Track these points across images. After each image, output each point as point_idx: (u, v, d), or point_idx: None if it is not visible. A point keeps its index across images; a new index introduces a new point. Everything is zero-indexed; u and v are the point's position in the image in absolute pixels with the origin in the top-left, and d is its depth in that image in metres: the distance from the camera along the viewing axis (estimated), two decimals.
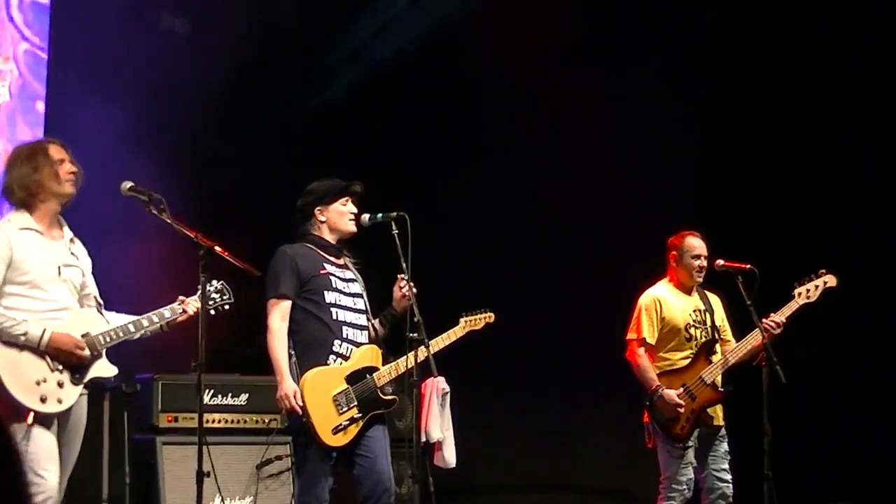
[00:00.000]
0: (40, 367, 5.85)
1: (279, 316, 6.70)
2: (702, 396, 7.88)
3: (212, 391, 8.59)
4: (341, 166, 7.27)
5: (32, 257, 5.93)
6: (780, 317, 7.81)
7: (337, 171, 7.11)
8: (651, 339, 7.99)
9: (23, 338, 5.80)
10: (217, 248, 6.19)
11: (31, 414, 5.76)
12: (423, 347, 6.56)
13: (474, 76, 11.19)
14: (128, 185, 6.23)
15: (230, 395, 8.70)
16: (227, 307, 6.57)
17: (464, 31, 11.11)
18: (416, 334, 6.55)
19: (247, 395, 8.67)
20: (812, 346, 9.57)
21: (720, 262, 7.98)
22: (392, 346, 7.01)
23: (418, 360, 6.59)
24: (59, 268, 6.02)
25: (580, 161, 10.95)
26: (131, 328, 6.19)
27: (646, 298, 8.11)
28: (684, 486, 7.86)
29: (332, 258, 6.95)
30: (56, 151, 6.09)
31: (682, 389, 7.86)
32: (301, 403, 6.58)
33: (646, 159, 10.99)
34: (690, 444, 7.89)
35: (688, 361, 7.97)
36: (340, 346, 6.75)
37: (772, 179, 10.98)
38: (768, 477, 7.42)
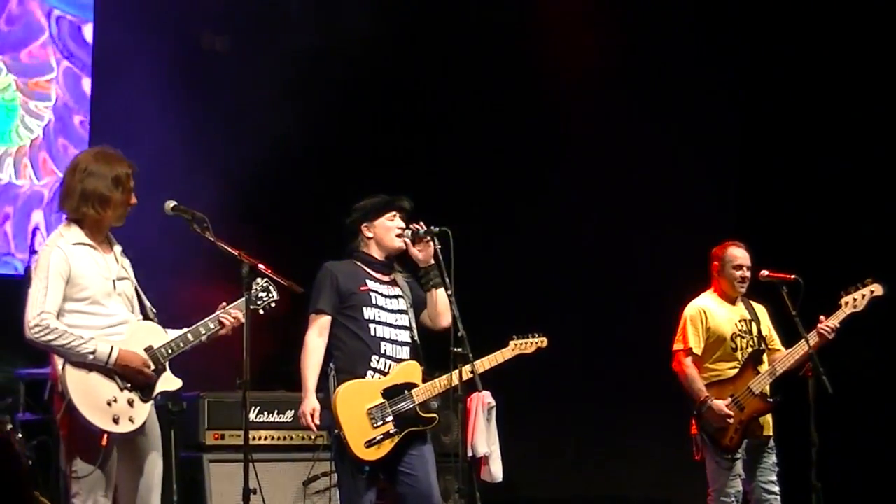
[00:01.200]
0: (110, 386, 5.76)
1: (316, 332, 6.70)
2: (750, 407, 7.83)
3: (257, 408, 8.61)
4: (391, 182, 7.27)
5: (88, 272, 5.83)
6: (834, 321, 7.76)
7: (387, 187, 7.12)
8: (697, 350, 7.94)
9: (91, 356, 5.70)
10: (261, 266, 6.20)
11: (105, 436, 5.70)
12: (467, 363, 6.54)
13: (526, 99, 11.24)
14: (171, 203, 6.22)
15: (276, 411, 8.72)
16: (273, 305, 6.42)
17: (512, 54, 11.14)
18: (460, 349, 6.52)
19: (292, 411, 8.66)
20: (858, 356, 9.50)
21: (765, 272, 7.95)
22: (437, 359, 7.00)
23: (462, 377, 6.56)
24: (113, 282, 5.93)
25: (624, 175, 10.96)
26: (190, 337, 6.10)
27: (691, 309, 8.07)
28: (732, 499, 7.80)
29: (377, 274, 6.93)
30: (129, 180, 5.98)
31: (730, 400, 7.82)
32: (318, 423, 6.60)
33: (687, 172, 10.99)
34: (739, 455, 7.83)
35: (735, 372, 7.92)
36: (378, 361, 6.73)
37: (814, 188, 10.92)
38: (817, 487, 7.38)
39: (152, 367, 5.92)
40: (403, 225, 6.93)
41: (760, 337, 8.03)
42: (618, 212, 11.06)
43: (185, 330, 6.14)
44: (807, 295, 7.57)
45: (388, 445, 6.62)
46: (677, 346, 8.02)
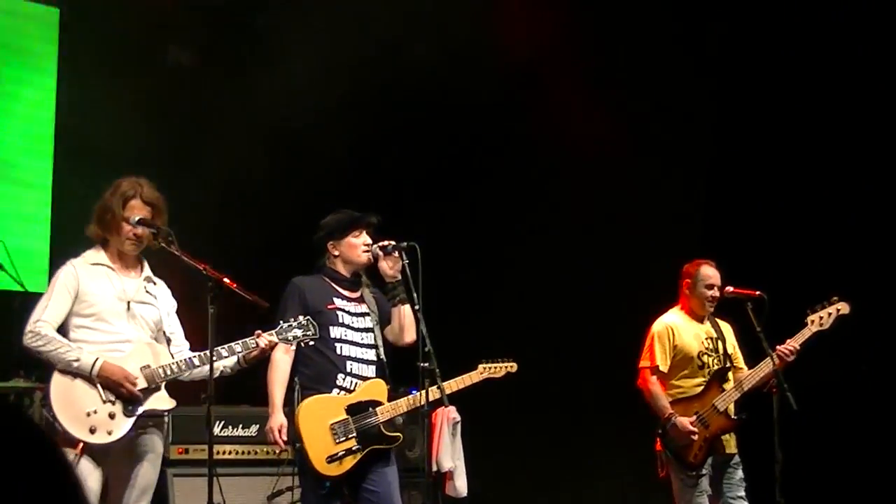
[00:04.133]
0: (92, 396, 5.93)
1: (282, 348, 6.69)
2: (715, 424, 7.85)
3: (222, 423, 8.59)
4: (360, 198, 7.27)
5: (99, 290, 6.09)
6: (794, 343, 7.77)
7: (357, 203, 7.13)
8: (664, 367, 7.96)
9: (75, 364, 5.91)
10: (226, 280, 6.19)
11: (80, 445, 5.84)
12: (434, 378, 6.54)
13: (492, 117, 11.27)
14: (135, 218, 6.23)
15: (240, 426, 8.69)
16: (311, 343, 6.52)
17: (479, 64, 11.15)
18: (427, 364, 6.53)
19: (257, 426, 8.66)
20: (822, 372, 9.53)
21: (729, 288, 7.99)
22: (403, 375, 7.00)
23: (429, 396, 6.56)
24: (128, 303, 6.14)
25: (589, 193, 10.99)
26: (195, 362, 6.22)
27: (658, 326, 8.08)
28: None
29: (345, 291, 6.94)
30: (133, 208, 6.18)
31: (695, 417, 7.83)
32: (285, 439, 6.64)
33: (652, 191, 11.01)
34: (704, 472, 7.85)
35: (700, 389, 7.94)
36: (344, 379, 6.74)
37: (780, 206, 10.95)
38: None
39: (138, 383, 6.03)
40: (370, 241, 6.94)
41: (726, 355, 8.05)
42: (584, 227, 11.09)
43: (193, 354, 6.28)
44: (772, 312, 7.60)
45: (349, 462, 6.62)
46: (644, 363, 8.03)
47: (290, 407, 6.72)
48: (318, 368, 6.73)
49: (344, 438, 6.63)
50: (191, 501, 8.20)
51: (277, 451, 8.14)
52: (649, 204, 11.00)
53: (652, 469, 8.11)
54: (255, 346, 6.28)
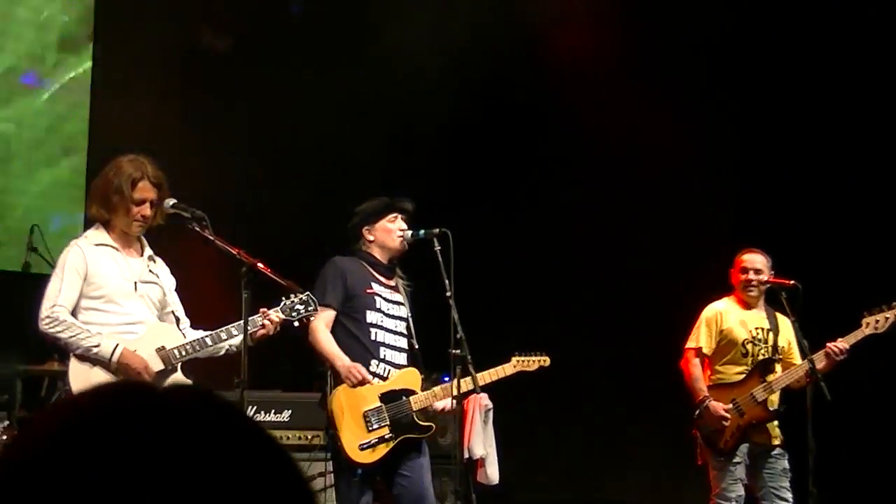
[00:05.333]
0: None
1: (322, 322, 6.67)
2: (750, 413, 7.80)
3: (254, 408, 8.58)
4: (391, 185, 7.26)
5: (107, 272, 6.01)
6: (844, 344, 7.66)
7: (388, 190, 7.12)
8: (707, 350, 7.95)
9: (95, 349, 5.86)
10: (260, 265, 6.18)
11: None
12: (466, 364, 6.53)
13: (537, 110, 11.27)
14: (171, 201, 6.22)
15: (273, 411, 8.69)
16: (312, 319, 6.48)
17: (521, 63, 11.15)
18: (458, 351, 6.51)
19: (289, 411, 8.66)
20: (858, 364, 9.49)
21: (763, 277, 7.94)
22: (436, 361, 6.98)
23: (461, 383, 6.54)
24: (135, 283, 6.09)
25: (624, 183, 10.98)
26: (208, 342, 6.18)
27: (708, 311, 8.08)
28: (733, 503, 7.78)
29: (381, 277, 6.91)
30: (142, 189, 6.08)
31: (731, 405, 7.80)
32: (365, 375, 6.58)
33: (686, 181, 10.96)
34: (739, 460, 7.81)
35: (741, 377, 7.91)
36: (378, 366, 6.72)
37: (816, 196, 10.88)
38: (814, 494, 7.36)
39: (155, 370, 5.98)
40: (405, 227, 6.90)
41: (776, 348, 7.99)
42: (621, 218, 11.07)
43: (205, 334, 6.22)
44: (811, 304, 7.56)
45: (382, 450, 6.60)
46: (690, 343, 8.02)
47: (322, 392, 6.71)
48: (351, 354, 6.70)
49: (377, 426, 6.61)
50: None
51: (309, 437, 8.15)
52: (683, 196, 10.95)
53: (684, 459, 8.09)
54: (260, 325, 6.21)
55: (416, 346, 6.94)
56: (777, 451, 7.94)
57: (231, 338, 6.22)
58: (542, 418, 11.10)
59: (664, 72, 11.15)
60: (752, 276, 7.99)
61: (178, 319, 6.31)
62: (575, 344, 10.57)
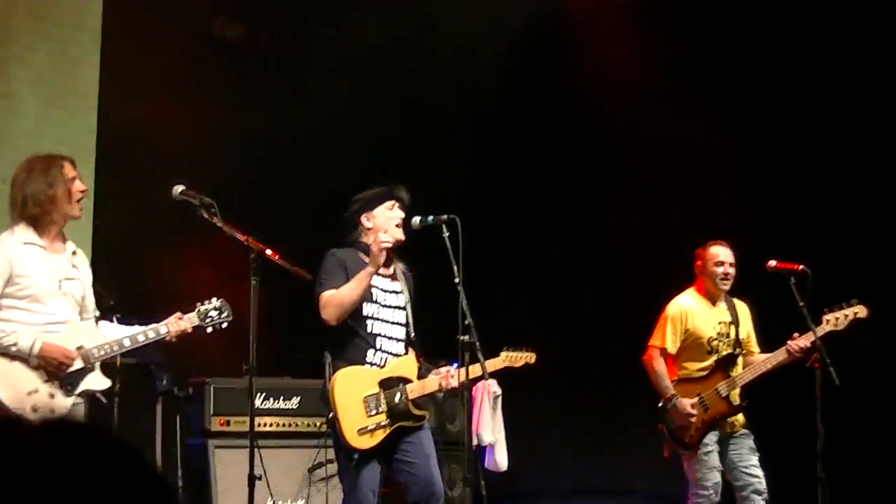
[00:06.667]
0: (31, 377, 5.92)
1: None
2: (715, 408, 7.91)
3: (263, 395, 8.60)
4: (391, 174, 7.27)
5: (34, 272, 6.00)
6: (805, 342, 7.76)
7: (389, 179, 7.12)
8: (672, 350, 8.05)
9: (13, 349, 5.89)
10: (268, 252, 6.19)
11: None
12: (474, 351, 6.53)
13: (543, 99, 11.27)
14: (179, 188, 6.23)
15: (282, 398, 8.70)
16: (224, 325, 6.53)
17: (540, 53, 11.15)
18: (467, 337, 6.51)
19: (298, 398, 8.67)
20: (865, 348, 9.48)
21: (772, 262, 7.96)
22: (444, 348, 6.98)
23: (468, 371, 6.56)
24: (59, 281, 6.07)
25: (636, 170, 10.98)
26: (126, 343, 6.23)
27: (673, 308, 8.15)
28: (710, 491, 7.87)
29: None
30: (69, 169, 6.12)
31: (696, 399, 7.87)
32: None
33: (701, 169, 10.96)
34: (710, 448, 7.90)
35: (705, 373, 7.99)
36: (375, 355, 6.75)
37: (830, 185, 10.88)
38: (822, 479, 7.38)
39: (76, 360, 6.02)
40: (403, 215, 6.90)
41: (737, 341, 8.05)
42: (626, 203, 11.08)
43: (125, 335, 6.25)
44: (814, 286, 7.57)
45: (379, 435, 6.63)
46: (654, 341, 8.11)
47: (323, 381, 6.73)
48: (347, 343, 6.72)
49: (375, 412, 6.64)
50: (231, 473, 8.22)
51: (318, 424, 8.15)
52: (699, 184, 10.95)
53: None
54: (166, 332, 6.29)
55: (413, 335, 6.94)
56: (741, 431, 8.01)
57: (149, 340, 6.27)
58: (552, 405, 11.12)
59: (687, 68, 11.15)
60: (728, 269, 8.07)
61: (97, 318, 6.35)
62: (586, 331, 10.59)
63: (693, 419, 7.84)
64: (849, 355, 7.86)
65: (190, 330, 6.35)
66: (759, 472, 7.94)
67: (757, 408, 8.12)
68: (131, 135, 9.38)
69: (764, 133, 11.41)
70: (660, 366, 8.00)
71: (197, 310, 6.36)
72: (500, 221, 10.58)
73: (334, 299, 6.63)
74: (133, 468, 1.56)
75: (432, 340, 7.05)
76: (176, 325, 6.30)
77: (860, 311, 7.83)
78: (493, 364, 7.08)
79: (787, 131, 11.20)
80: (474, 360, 6.55)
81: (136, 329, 6.28)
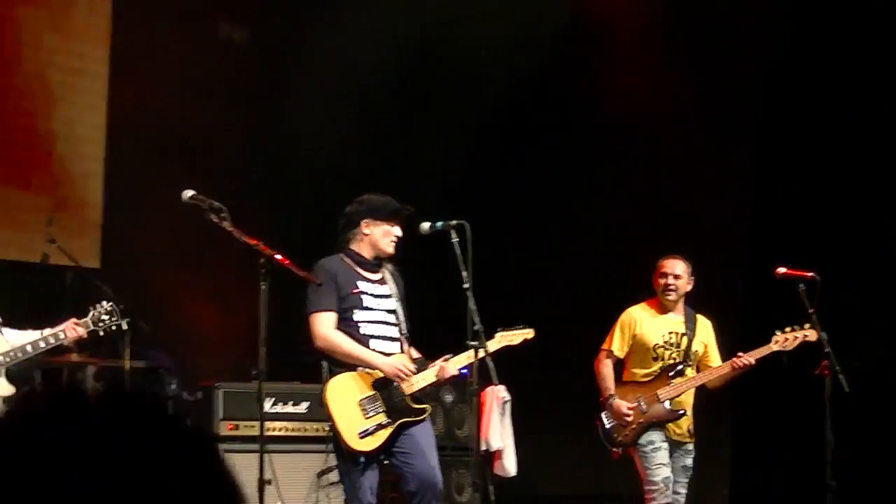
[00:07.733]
0: None
1: (328, 326, 6.72)
2: (652, 412, 7.97)
3: (273, 399, 8.60)
4: (393, 173, 7.27)
5: None
6: (750, 359, 7.83)
7: (391, 178, 7.12)
8: (619, 353, 8.14)
9: None
10: (278, 257, 6.19)
11: None
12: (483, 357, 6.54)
13: (543, 99, 11.27)
14: (189, 193, 6.24)
15: (291, 403, 8.71)
16: (115, 328, 6.60)
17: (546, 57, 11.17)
18: (476, 342, 6.52)
19: (307, 403, 8.67)
20: (871, 355, 9.48)
21: (781, 269, 7.98)
22: (448, 344, 6.98)
23: (463, 367, 6.60)
24: None
25: (637, 174, 10.98)
26: (29, 349, 6.30)
27: (624, 315, 8.26)
28: (661, 485, 7.90)
29: (367, 273, 6.93)
30: None
31: (636, 402, 7.96)
32: (411, 368, 6.70)
33: (701, 172, 10.96)
34: (657, 445, 7.94)
35: (650, 378, 8.08)
36: None
37: (832, 189, 10.87)
38: (832, 487, 7.37)
39: None
40: (401, 233, 6.93)
41: (687, 352, 8.08)
42: (632, 204, 11.09)
43: (27, 341, 6.33)
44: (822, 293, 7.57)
45: (382, 435, 6.66)
46: (604, 344, 8.21)
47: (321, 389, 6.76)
48: None
49: (374, 413, 6.67)
50: (241, 478, 8.20)
51: (327, 428, 8.20)
52: (699, 188, 10.95)
53: (700, 453, 8.12)
54: (63, 337, 6.37)
55: (405, 333, 6.97)
56: (686, 446, 8.09)
57: (49, 346, 6.35)
58: (560, 410, 11.10)
59: (686, 55, 11.16)
60: (670, 280, 8.12)
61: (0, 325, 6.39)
62: (595, 336, 10.58)
63: (629, 419, 7.93)
64: (852, 359, 7.86)
65: (85, 335, 6.43)
66: (684, 491, 8.07)
67: (766, 417, 8.11)
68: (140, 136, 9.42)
69: (764, 132, 11.40)
70: (604, 368, 8.13)
71: (91, 314, 6.44)
72: (503, 223, 10.55)
73: (329, 343, 6.73)
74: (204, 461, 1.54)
75: (437, 336, 7.06)
76: (73, 330, 6.40)
77: (811, 334, 7.88)
78: (488, 347, 7.01)
79: (787, 131, 11.19)
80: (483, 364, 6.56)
81: (36, 335, 6.34)
